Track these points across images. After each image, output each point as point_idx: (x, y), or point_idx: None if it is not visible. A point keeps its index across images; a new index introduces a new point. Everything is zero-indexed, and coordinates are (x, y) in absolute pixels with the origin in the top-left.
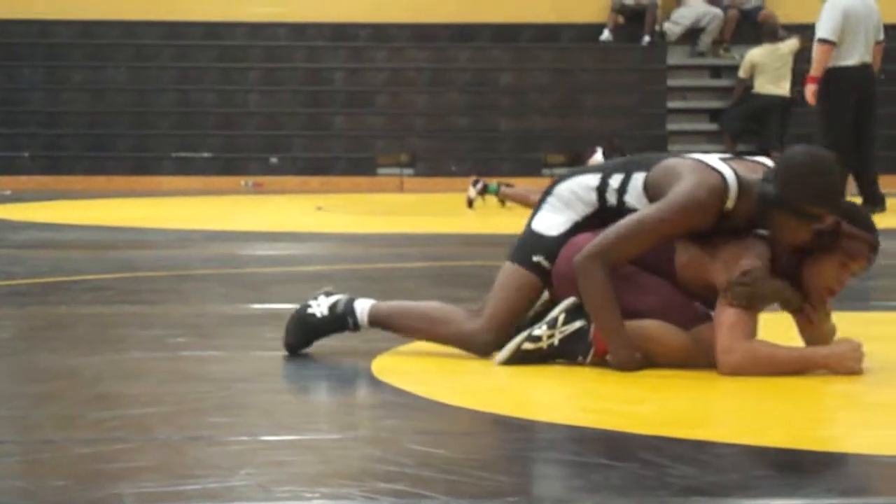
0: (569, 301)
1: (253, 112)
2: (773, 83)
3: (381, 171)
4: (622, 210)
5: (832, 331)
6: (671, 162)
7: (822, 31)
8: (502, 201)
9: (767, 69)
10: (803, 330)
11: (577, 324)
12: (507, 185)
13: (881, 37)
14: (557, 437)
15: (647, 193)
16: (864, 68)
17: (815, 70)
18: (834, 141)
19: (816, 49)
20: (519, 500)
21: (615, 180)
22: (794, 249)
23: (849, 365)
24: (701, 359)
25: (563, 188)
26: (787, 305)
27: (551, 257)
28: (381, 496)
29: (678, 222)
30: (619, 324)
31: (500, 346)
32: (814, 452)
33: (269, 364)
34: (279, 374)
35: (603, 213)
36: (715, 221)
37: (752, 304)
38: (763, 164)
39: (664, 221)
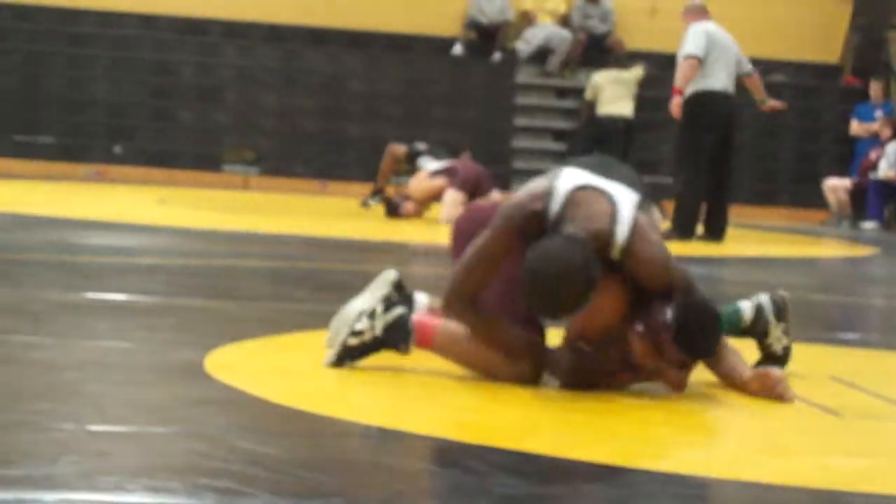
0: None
1: (99, 100)
2: (614, 103)
3: (226, 167)
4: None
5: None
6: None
7: (688, 49)
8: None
9: (610, 92)
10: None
11: (398, 311)
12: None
13: (749, 68)
14: (382, 440)
15: None
16: (726, 97)
17: (680, 83)
18: (693, 164)
19: (682, 65)
20: (341, 500)
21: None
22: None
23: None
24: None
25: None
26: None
27: None
28: (204, 492)
29: (498, 240)
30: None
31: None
32: (637, 470)
33: (98, 353)
34: (108, 363)
35: None
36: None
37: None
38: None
39: (487, 243)
